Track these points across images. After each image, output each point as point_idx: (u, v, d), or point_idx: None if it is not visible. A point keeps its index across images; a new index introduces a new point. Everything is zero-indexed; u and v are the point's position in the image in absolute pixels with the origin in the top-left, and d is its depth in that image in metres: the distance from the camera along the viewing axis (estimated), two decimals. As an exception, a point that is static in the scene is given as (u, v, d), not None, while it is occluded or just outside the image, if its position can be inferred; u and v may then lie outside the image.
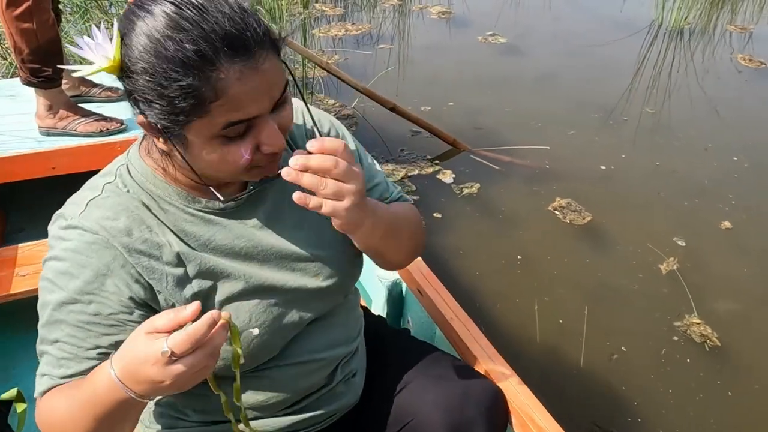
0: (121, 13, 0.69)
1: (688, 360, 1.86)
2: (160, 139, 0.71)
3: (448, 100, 3.40)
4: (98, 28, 0.65)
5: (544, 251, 2.31)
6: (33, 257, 1.68)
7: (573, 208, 2.54)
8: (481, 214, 2.52)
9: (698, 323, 1.98)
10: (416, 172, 2.75)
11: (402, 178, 2.69)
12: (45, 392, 0.75)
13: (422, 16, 4.83)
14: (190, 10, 0.63)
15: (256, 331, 0.72)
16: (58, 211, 0.77)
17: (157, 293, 0.76)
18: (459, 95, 3.47)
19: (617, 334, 1.96)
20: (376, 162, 0.98)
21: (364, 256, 0.96)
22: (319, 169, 0.67)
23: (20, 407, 1.21)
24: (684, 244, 2.34)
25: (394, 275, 1.41)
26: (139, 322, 0.72)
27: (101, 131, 1.95)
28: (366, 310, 1.16)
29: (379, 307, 1.46)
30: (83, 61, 0.67)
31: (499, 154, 2.87)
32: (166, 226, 0.77)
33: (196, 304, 0.62)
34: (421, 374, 0.99)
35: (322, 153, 0.67)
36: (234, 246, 0.81)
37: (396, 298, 1.43)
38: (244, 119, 0.67)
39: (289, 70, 0.74)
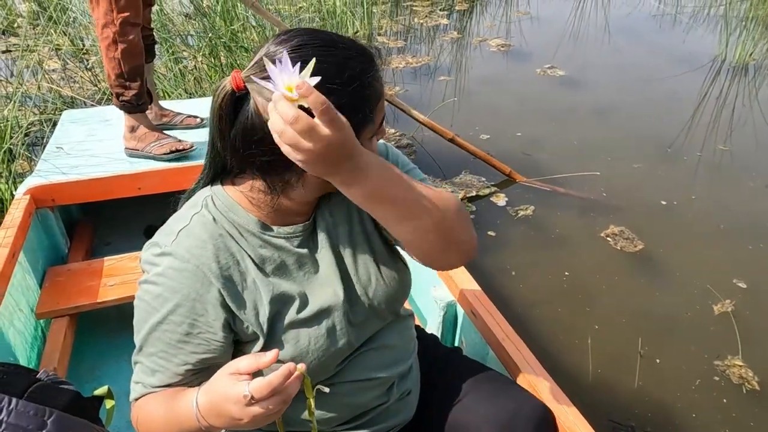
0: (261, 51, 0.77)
1: (725, 400, 1.84)
2: None
3: (506, 130, 3.48)
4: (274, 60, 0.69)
5: (593, 274, 2.36)
6: (119, 269, 1.85)
7: (626, 236, 2.57)
8: (535, 236, 2.60)
9: (740, 365, 1.95)
10: (474, 193, 2.87)
11: (461, 198, 2.82)
12: (138, 398, 0.86)
13: (481, 48, 4.94)
14: (331, 35, 0.79)
15: (326, 390, 0.78)
16: (151, 240, 0.86)
17: (236, 316, 0.84)
18: (518, 126, 3.53)
19: (653, 353, 1.98)
20: (419, 172, 1.01)
21: (414, 276, 1.02)
22: (282, 116, 0.66)
23: (109, 403, 1.33)
24: (745, 287, 2.30)
25: (449, 297, 1.48)
26: (222, 343, 0.83)
27: (171, 152, 2.09)
28: (420, 329, 1.22)
29: (433, 327, 1.54)
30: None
31: (555, 186, 2.92)
32: (246, 252, 0.85)
33: (274, 352, 0.70)
34: (473, 392, 1.04)
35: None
36: (300, 271, 0.89)
37: (450, 319, 1.50)
38: (383, 115, 0.83)
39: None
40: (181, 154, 2.11)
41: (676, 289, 2.30)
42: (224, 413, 0.72)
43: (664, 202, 2.84)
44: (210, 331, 0.83)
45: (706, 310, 2.18)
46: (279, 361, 0.86)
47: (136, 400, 0.87)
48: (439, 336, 1.48)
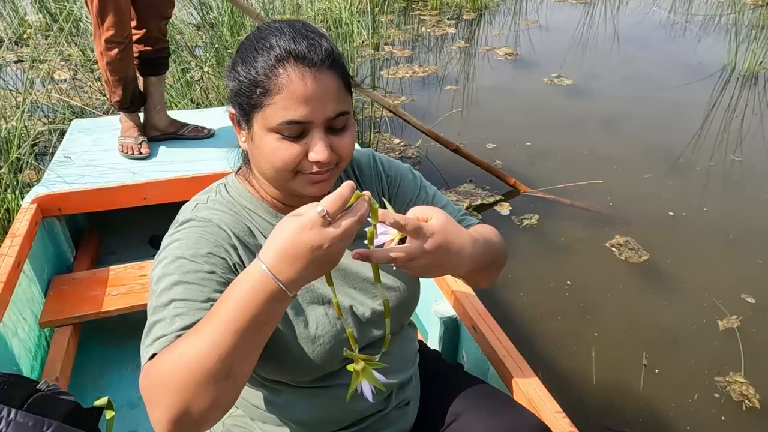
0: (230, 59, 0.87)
1: (723, 417, 1.81)
2: (241, 136, 0.88)
3: (513, 139, 3.47)
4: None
5: (596, 284, 2.37)
6: (123, 278, 1.86)
7: (631, 246, 2.56)
8: (539, 245, 2.60)
9: (741, 382, 1.92)
10: (478, 202, 2.89)
11: (466, 207, 2.84)
12: (157, 353, 0.72)
13: (488, 57, 4.94)
14: (278, 24, 0.83)
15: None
16: (172, 223, 0.89)
17: None
18: (524, 135, 3.53)
19: (653, 364, 1.97)
20: (438, 191, 1.09)
21: (422, 291, 1.03)
22: (407, 253, 0.72)
23: (109, 414, 1.34)
24: (753, 302, 2.26)
25: (450, 311, 1.48)
26: None
27: (122, 151, 2.23)
28: (422, 344, 1.22)
29: (435, 342, 1.53)
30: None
31: (559, 197, 2.90)
32: (258, 229, 0.90)
33: (350, 184, 0.69)
34: (472, 407, 1.04)
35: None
36: None
37: (451, 334, 1.49)
38: (298, 120, 0.79)
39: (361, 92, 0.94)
40: (129, 156, 2.22)
41: (681, 301, 2.28)
42: (301, 248, 0.65)
43: (671, 213, 2.82)
44: (232, 274, 0.82)
45: (711, 325, 2.16)
46: (289, 338, 0.88)
47: (153, 357, 0.72)
48: (440, 351, 1.47)
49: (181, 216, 0.89)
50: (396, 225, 0.70)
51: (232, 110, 0.87)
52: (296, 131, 0.80)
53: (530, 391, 1.14)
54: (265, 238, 0.87)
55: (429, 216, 0.75)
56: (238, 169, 0.97)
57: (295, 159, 0.81)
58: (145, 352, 0.74)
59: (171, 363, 0.68)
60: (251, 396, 0.98)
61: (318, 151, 0.80)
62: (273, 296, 0.67)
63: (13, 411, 1.09)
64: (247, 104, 0.82)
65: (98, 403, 1.31)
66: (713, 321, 2.17)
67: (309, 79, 0.78)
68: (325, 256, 0.66)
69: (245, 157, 0.94)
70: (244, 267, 0.84)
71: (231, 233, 0.86)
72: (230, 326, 0.66)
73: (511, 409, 1.03)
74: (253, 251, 0.87)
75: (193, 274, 0.79)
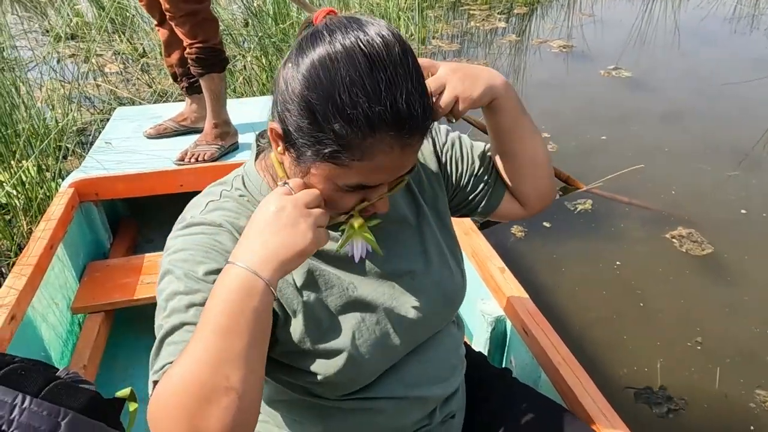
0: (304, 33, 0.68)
1: (752, 427, 1.66)
2: (279, 148, 0.72)
3: (566, 131, 3.29)
4: None
5: (653, 274, 2.25)
6: (157, 267, 1.81)
7: (693, 239, 2.42)
8: (592, 232, 2.49)
9: None
10: None
11: None
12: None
13: (540, 51, 4.75)
14: (381, 73, 0.62)
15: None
16: (179, 218, 0.80)
17: None
18: (580, 128, 3.35)
19: (704, 370, 1.82)
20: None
21: (467, 288, 0.93)
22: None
23: (132, 406, 1.27)
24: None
25: (498, 311, 1.35)
26: None
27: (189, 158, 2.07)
28: (467, 346, 1.11)
29: (480, 344, 1.40)
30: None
31: (616, 195, 2.72)
32: None
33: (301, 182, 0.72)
34: (523, 420, 0.94)
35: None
36: (338, 255, 0.80)
37: (499, 336, 1.36)
38: (370, 185, 0.70)
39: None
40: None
41: (746, 303, 2.11)
42: (264, 217, 0.66)
43: (744, 211, 2.60)
44: None
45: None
46: (325, 351, 0.78)
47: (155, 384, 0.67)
48: (485, 354, 1.34)
49: (189, 213, 0.79)
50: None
51: (277, 126, 0.70)
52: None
53: (588, 404, 1.01)
54: None
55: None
56: (257, 155, 0.84)
57: (349, 207, 0.73)
58: (152, 379, 0.69)
59: (170, 387, 0.62)
60: (281, 411, 0.89)
61: (382, 208, 0.75)
62: (246, 285, 0.63)
63: (28, 398, 1.03)
64: (313, 147, 0.67)
65: (120, 393, 1.24)
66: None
67: (397, 151, 0.67)
68: (288, 218, 0.65)
69: (265, 141, 0.82)
70: None
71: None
72: (213, 332, 0.62)
73: (568, 424, 0.92)
74: None
75: (203, 294, 0.70)
